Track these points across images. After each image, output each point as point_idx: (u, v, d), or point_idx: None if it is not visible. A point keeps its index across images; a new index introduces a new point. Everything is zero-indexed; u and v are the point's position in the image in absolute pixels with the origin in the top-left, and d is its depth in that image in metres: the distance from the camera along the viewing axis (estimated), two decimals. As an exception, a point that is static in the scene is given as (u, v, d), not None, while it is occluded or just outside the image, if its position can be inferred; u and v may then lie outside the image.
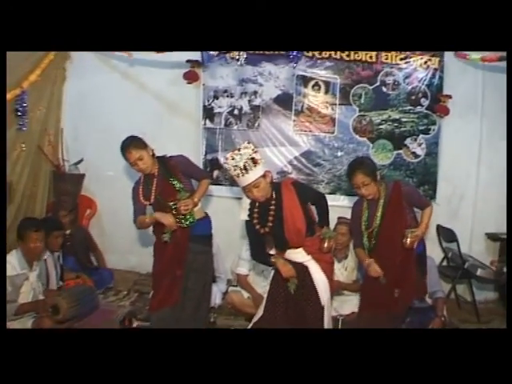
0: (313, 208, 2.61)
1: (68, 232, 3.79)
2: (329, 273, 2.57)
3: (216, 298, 3.62)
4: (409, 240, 2.58)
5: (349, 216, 2.99)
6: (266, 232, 2.51)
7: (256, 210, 2.51)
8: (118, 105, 4.25)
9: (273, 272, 2.63)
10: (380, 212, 2.67)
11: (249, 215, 2.53)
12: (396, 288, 2.66)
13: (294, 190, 2.47)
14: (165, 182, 2.65)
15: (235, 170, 2.35)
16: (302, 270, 2.51)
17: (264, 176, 2.42)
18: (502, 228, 3.95)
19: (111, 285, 4.07)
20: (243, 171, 2.33)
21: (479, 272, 3.74)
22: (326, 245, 2.47)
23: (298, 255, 2.53)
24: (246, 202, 2.53)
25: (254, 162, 2.35)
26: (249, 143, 2.44)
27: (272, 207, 2.46)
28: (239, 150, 2.37)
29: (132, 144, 2.60)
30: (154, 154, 2.68)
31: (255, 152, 2.38)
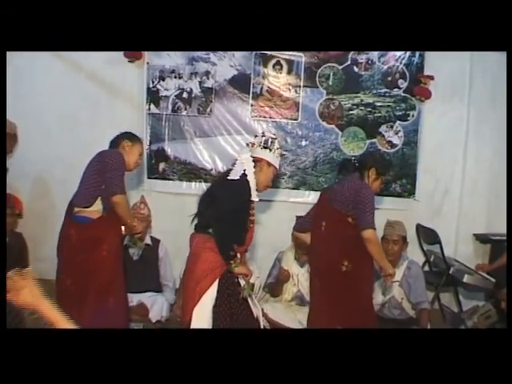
0: None
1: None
2: None
3: (163, 310, 3.35)
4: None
5: None
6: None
7: None
8: (47, 87, 3.88)
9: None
10: None
11: None
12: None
13: None
14: None
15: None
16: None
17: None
18: (492, 228, 3.89)
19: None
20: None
21: (466, 278, 3.51)
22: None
23: None
24: None
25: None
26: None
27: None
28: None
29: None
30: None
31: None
